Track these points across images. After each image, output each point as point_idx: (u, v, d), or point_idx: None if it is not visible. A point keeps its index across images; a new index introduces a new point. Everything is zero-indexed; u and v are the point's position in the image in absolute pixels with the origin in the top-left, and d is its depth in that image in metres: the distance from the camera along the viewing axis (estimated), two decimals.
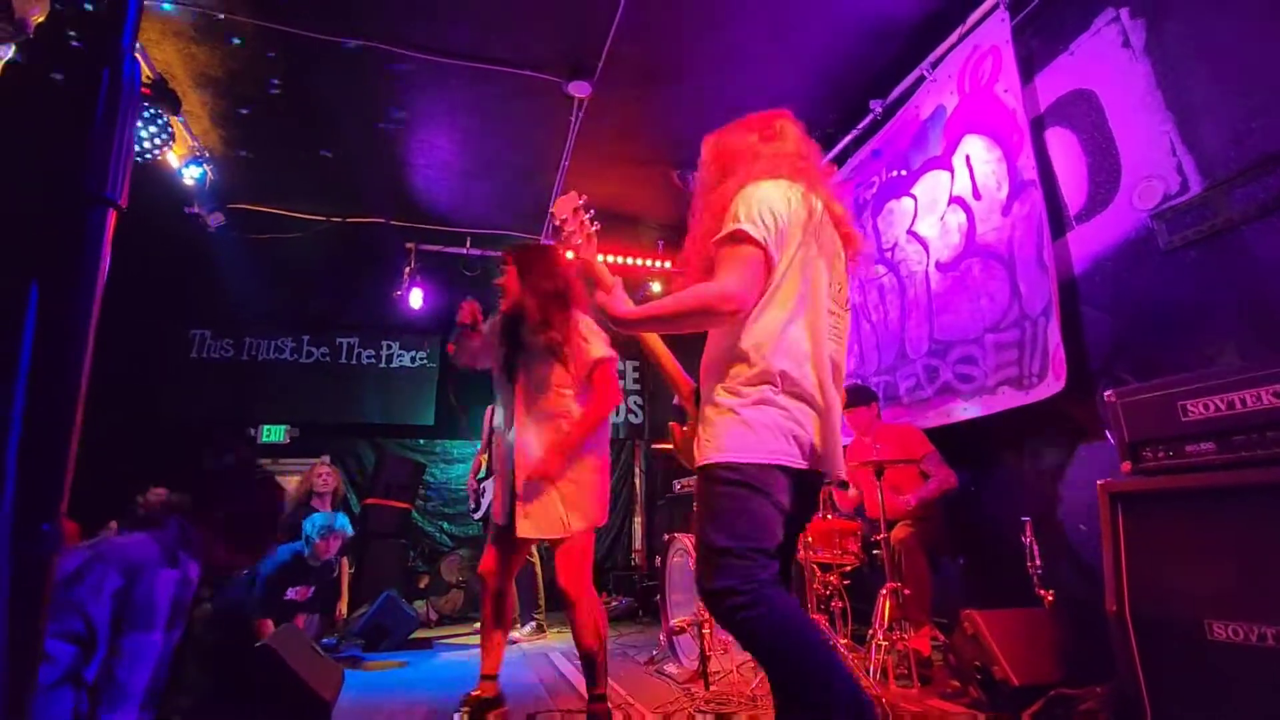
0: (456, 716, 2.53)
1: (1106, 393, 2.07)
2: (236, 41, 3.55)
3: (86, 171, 0.48)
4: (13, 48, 2.63)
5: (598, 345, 2.53)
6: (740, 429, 1.42)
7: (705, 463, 1.44)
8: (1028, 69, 3.11)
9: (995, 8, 3.18)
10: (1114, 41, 2.73)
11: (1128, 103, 2.67)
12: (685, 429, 1.72)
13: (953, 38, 3.44)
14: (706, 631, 3.03)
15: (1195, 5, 2.46)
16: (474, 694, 2.57)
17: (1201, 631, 1.73)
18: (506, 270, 2.64)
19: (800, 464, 1.43)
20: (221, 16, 3.37)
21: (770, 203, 1.48)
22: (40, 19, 2.59)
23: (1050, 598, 2.49)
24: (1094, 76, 2.83)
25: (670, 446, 1.99)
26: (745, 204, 1.47)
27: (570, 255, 1.90)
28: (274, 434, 6.89)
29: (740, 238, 1.44)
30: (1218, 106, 2.37)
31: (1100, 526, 1.99)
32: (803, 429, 1.44)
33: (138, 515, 1.90)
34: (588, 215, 1.95)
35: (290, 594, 3.87)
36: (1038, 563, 2.53)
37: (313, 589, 4.04)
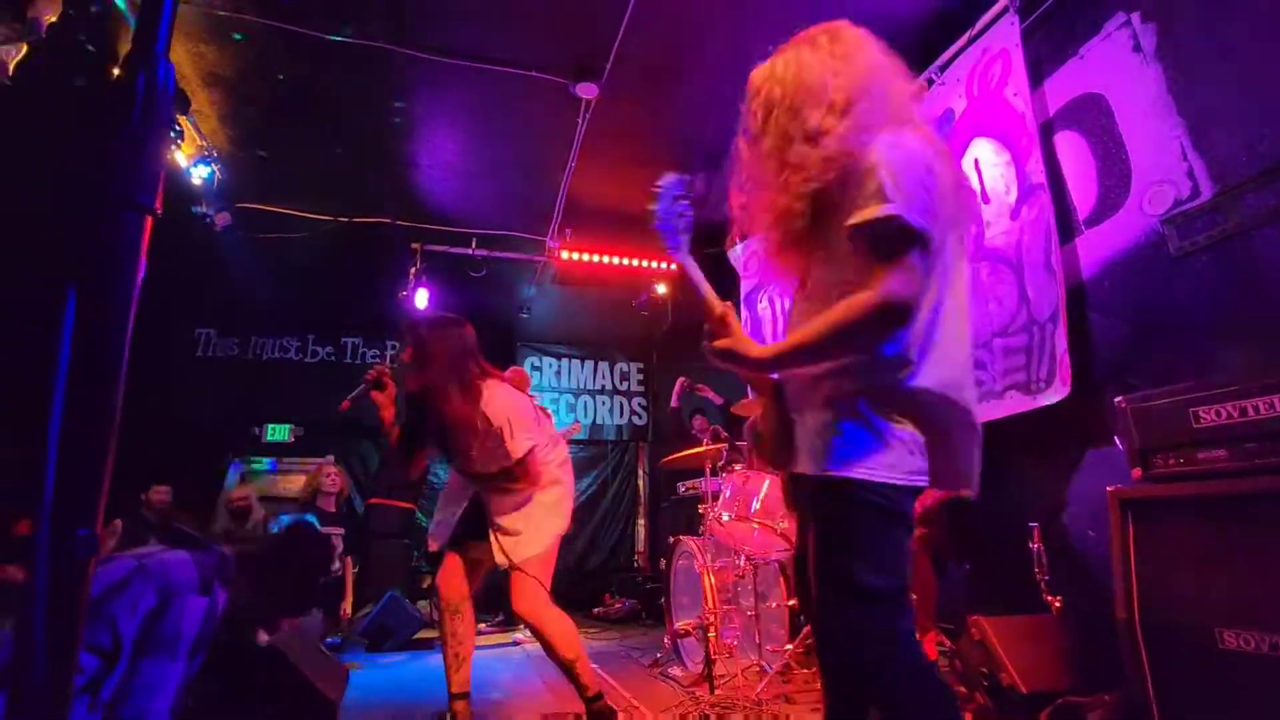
0: None
1: (1117, 398, 2.06)
2: (241, 39, 3.56)
3: (121, 177, 0.48)
4: (25, 47, 2.64)
5: (519, 440, 2.40)
6: (874, 440, 1.20)
7: (834, 475, 1.20)
8: (1037, 72, 3.10)
9: (1005, 11, 3.17)
10: (1125, 45, 2.72)
11: (1138, 107, 2.66)
12: (763, 423, 1.47)
13: (961, 41, 3.44)
14: (712, 635, 3.03)
15: (1207, 10, 2.45)
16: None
17: (1212, 640, 1.72)
18: (403, 354, 2.49)
19: (924, 481, 1.23)
20: (230, 16, 3.38)
21: (916, 168, 1.14)
22: (52, 19, 2.60)
23: (1058, 604, 2.48)
24: (1104, 80, 2.82)
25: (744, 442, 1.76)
26: (886, 171, 1.12)
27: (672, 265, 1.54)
28: (279, 433, 6.90)
29: (893, 223, 1.10)
30: (1229, 111, 2.36)
31: (1109, 533, 1.98)
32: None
33: (184, 533, 1.85)
34: (685, 203, 1.42)
35: None
36: (1045, 569, 2.52)
37: None
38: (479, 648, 4.80)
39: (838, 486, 1.21)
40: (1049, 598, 2.50)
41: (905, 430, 1.21)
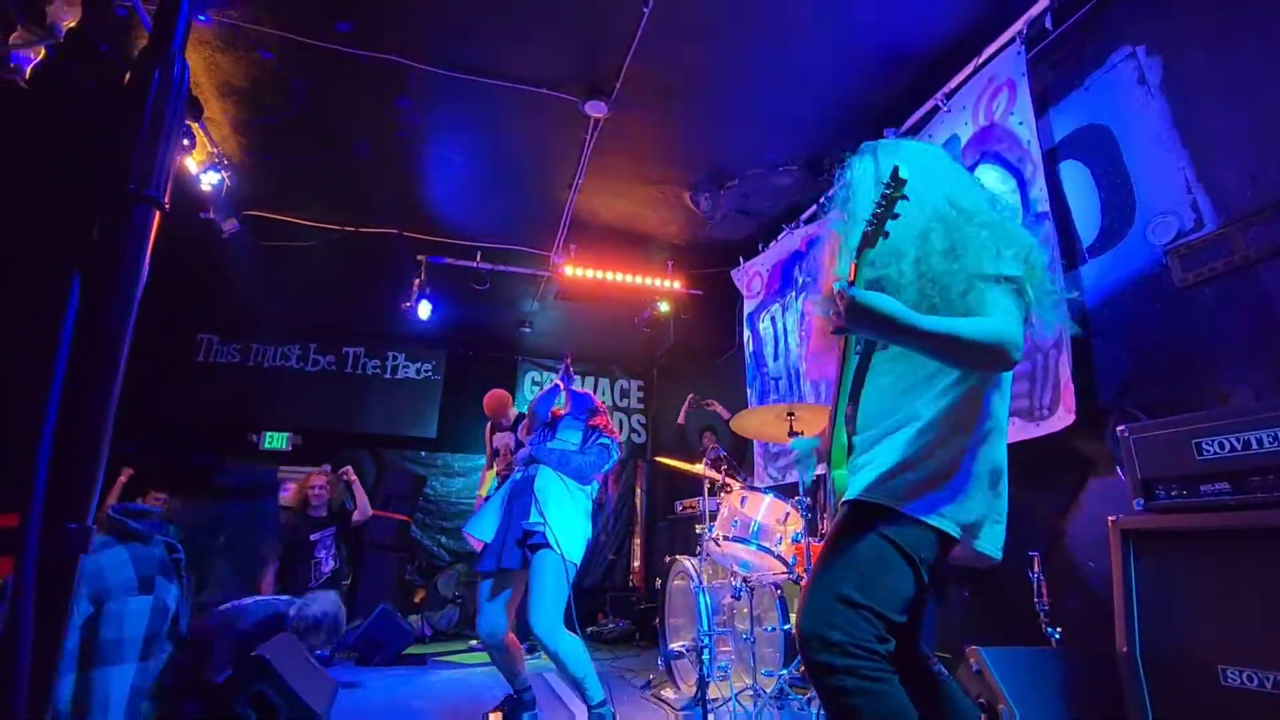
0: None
1: (1119, 428, 2.05)
2: (261, 53, 3.60)
3: (133, 170, 0.47)
4: (42, 51, 2.67)
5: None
6: (920, 481, 1.33)
7: (864, 499, 1.34)
8: (1043, 102, 3.13)
9: (1011, 41, 3.21)
10: (1130, 78, 2.75)
11: (1143, 138, 2.68)
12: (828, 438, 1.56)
13: (968, 69, 3.48)
14: (706, 657, 2.98)
15: (1212, 44, 2.48)
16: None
17: (1214, 676, 1.69)
18: None
19: (958, 533, 1.34)
20: (249, 27, 3.43)
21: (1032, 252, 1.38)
22: (72, 24, 2.64)
23: (1058, 635, 2.45)
24: (1109, 111, 2.84)
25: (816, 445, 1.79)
26: (1009, 244, 1.35)
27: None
28: (277, 441, 6.89)
29: (1015, 284, 1.33)
30: (1234, 145, 2.38)
31: (1111, 563, 1.96)
32: (972, 501, 1.36)
33: (127, 528, 1.74)
34: None
35: None
36: (1045, 599, 2.49)
37: None
38: (468, 666, 4.74)
39: (860, 508, 1.34)
40: (1049, 628, 2.46)
41: (959, 480, 1.33)
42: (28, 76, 2.67)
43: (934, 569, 1.34)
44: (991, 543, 1.38)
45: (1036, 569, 2.52)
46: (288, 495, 5.72)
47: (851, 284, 1.27)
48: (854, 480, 1.42)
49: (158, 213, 0.49)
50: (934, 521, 1.30)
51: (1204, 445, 1.83)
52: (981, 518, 1.36)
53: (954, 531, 1.32)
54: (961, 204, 1.45)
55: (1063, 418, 2.76)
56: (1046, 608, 2.48)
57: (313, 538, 4.82)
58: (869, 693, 1.20)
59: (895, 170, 1.24)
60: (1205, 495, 1.82)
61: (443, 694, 3.67)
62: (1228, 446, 1.78)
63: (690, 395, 5.26)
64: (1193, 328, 2.46)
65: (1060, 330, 2.81)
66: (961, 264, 1.34)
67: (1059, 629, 2.45)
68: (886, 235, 1.28)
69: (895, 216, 1.26)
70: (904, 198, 1.25)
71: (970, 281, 1.33)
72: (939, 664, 1.53)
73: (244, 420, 6.91)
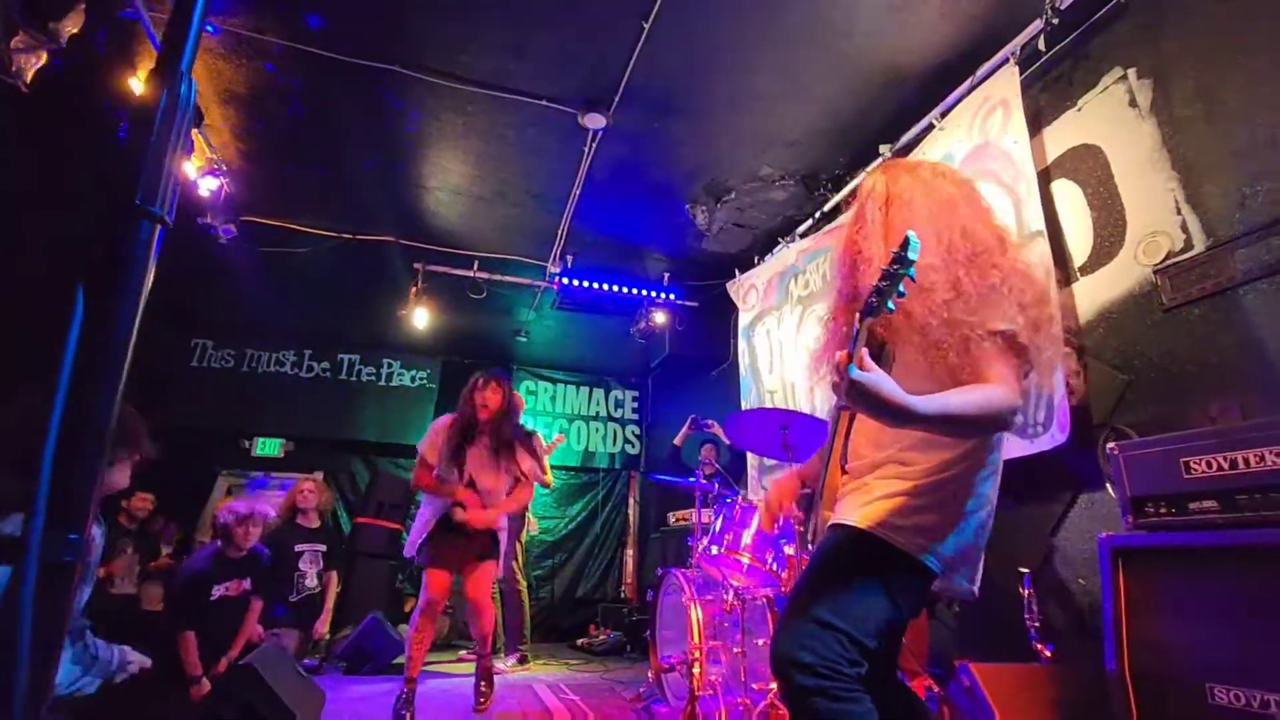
0: None
1: (1109, 445, 2.06)
2: (262, 62, 3.62)
3: (138, 186, 0.48)
4: (44, 56, 2.69)
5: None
6: (906, 511, 1.35)
7: (848, 524, 1.37)
8: (1036, 122, 3.17)
9: (1005, 61, 3.25)
10: (1121, 100, 2.79)
11: (1133, 159, 2.72)
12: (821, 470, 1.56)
13: (963, 88, 3.52)
14: (696, 671, 2.97)
15: (1202, 68, 2.52)
16: None
17: (1203, 695, 1.70)
18: (494, 389, 3.53)
19: (939, 569, 1.36)
20: (252, 36, 3.45)
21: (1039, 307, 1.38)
22: (74, 31, 2.66)
23: (1049, 653, 2.45)
24: (1101, 132, 2.88)
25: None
26: (1012, 293, 1.35)
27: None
28: (269, 447, 6.85)
29: (1015, 341, 1.32)
30: (1222, 168, 2.41)
31: (1101, 581, 1.97)
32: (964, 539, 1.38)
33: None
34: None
35: (217, 591, 3.65)
36: (1036, 615, 2.50)
37: (247, 580, 3.81)
38: (457, 675, 4.71)
39: (848, 532, 1.36)
40: (1039, 646, 2.46)
41: (949, 516, 1.36)
42: (29, 80, 2.69)
43: (913, 599, 1.35)
44: (970, 579, 1.42)
45: (1027, 585, 2.53)
46: (277, 502, 5.68)
47: (850, 363, 1.17)
48: (840, 505, 1.44)
49: (160, 228, 0.50)
50: (915, 554, 1.32)
51: (1191, 464, 1.85)
52: (963, 555, 1.38)
53: (935, 567, 1.34)
54: (972, 239, 1.42)
55: (1056, 436, 2.78)
56: (1037, 624, 2.49)
57: (298, 548, 4.78)
58: (840, 714, 1.21)
59: (905, 242, 1.15)
60: (1193, 513, 1.83)
61: (429, 705, 3.64)
62: (1215, 465, 1.80)
63: (691, 417, 5.26)
64: (1182, 347, 2.49)
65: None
66: (962, 311, 1.31)
67: (1050, 646, 2.45)
68: (890, 310, 1.21)
69: (900, 296, 1.20)
70: (909, 278, 1.17)
71: (966, 333, 1.30)
72: (914, 692, 1.55)
73: (237, 426, 6.88)
